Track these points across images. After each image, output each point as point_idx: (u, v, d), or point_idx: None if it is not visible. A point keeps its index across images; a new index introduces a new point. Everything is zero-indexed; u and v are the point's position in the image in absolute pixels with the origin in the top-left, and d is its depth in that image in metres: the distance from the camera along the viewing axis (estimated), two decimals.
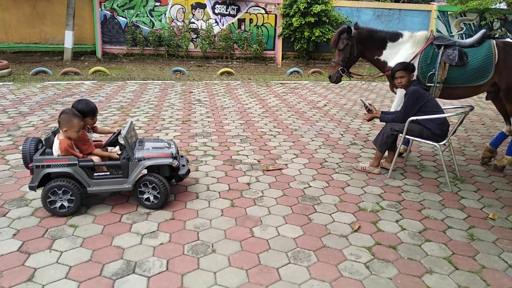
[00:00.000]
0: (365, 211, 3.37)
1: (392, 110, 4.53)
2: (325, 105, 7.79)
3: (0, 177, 3.80)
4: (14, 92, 7.85)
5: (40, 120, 5.88)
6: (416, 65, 4.33)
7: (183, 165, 3.55)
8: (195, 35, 14.07)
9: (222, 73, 11.52)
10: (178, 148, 3.91)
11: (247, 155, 4.68)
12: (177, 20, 13.90)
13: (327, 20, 13.41)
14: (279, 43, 14.54)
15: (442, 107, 4.11)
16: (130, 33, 13.44)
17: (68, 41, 12.31)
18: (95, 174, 3.24)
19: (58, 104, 6.94)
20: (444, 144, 4.00)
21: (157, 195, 3.23)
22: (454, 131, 4.01)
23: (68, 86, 8.75)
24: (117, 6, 13.39)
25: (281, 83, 10.41)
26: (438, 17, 15.41)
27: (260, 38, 14.22)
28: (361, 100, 4.53)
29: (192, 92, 8.68)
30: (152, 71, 11.76)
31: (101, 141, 3.74)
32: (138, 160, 3.22)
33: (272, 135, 5.59)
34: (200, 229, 2.99)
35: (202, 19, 14.06)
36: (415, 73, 4.29)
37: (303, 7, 12.84)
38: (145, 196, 3.26)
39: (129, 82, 9.70)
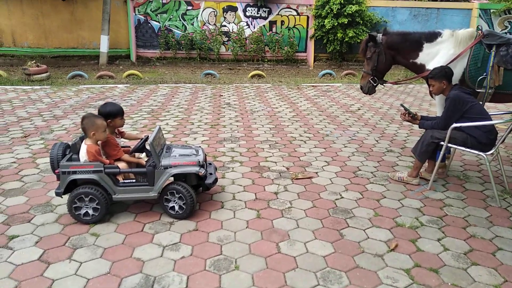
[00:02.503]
0: (403, 227, 3.09)
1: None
2: (359, 109, 7.47)
3: (29, 181, 3.82)
4: (50, 95, 8.07)
5: (73, 123, 5.97)
6: (463, 68, 3.97)
7: (211, 174, 3.41)
8: (227, 38, 14.06)
9: (252, 76, 11.40)
10: (206, 154, 3.79)
11: (275, 162, 4.50)
12: (209, 23, 13.95)
13: (361, 21, 13.02)
14: (311, 45, 14.27)
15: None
16: (163, 37, 13.62)
17: (104, 46, 12.63)
18: (121, 181, 3.17)
19: (91, 107, 7.05)
20: (492, 154, 3.64)
21: (183, 206, 3.11)
22: (503, 140, 3.64)
23: (102, 90, 8.91)
24: (151, 10, 13.61)
25: (312, 86, 10.15)
26: (479, 15, 14.58)
27: (292, 40, 14.02)
28: (401, 105, 4.20)
29: (222, 95, 8.60)
30: (184, 75, 11.83)
31: (129, 146, 3.68)
32: (164, 167, 3.12)
33: (302, 140, 5.37)
34: (223, 242, 2.83)
35: (233, 22, 14.04)
36: (458, 77, 3.95)
37: (336, 8, 12.52)
38: (171, 204, 3.15)
39: (161, 85, 9.78)
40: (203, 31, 13.75)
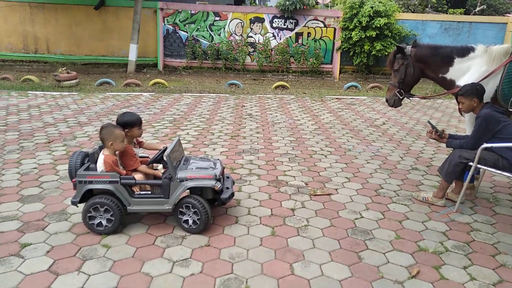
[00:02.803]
0: (426, 252, 2.91)
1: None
2: (384, 123, 7.26)
3: (47, 188, 3.86)
4: (77, 102, 8.27)
5: (96, 130, 6.06)
6: (495, 86, 3.76)
7: (227, 188, 3.33)
8: (252, 49, 14.11)
9: (276, 87, 11.35)
10: (224, 167, 3.73)
11: (294, 176, 4.38)
12: (236, 34, 14.05)
13: (389, 34, 12.76)
14: (337, 57, 14.10)
15: None
16: (190, 47, 13.81)
17: (132, 54, 12.90)
18: (137, 193, 3.14)
19: (115, 115, 7.15)
20: None
21: (197, 221, 3.05)
22: None
23: (127, 98, 9.07)
24: (179, 20, 13.85)
25: (337, 98, 9.98)
26: None
27: (318, 52, 13.90)
28: (428, 122, 4.01)
29: (244, 106, 8.57)
30: (208, 84, 11.91)
31: (148, 157, 3.67)
32: (180, 180, 3.07)
33: (323, 154, 5.23)
34: (235, 260, 2.74)
35: (260, 33, 14.08)
36: (489, 95, 3.74)
37: (365, 21, 12.33)
38: (185, 218, 3.09)
39: (185, 94, 9.86)
40: (229, 42, 13.87)
